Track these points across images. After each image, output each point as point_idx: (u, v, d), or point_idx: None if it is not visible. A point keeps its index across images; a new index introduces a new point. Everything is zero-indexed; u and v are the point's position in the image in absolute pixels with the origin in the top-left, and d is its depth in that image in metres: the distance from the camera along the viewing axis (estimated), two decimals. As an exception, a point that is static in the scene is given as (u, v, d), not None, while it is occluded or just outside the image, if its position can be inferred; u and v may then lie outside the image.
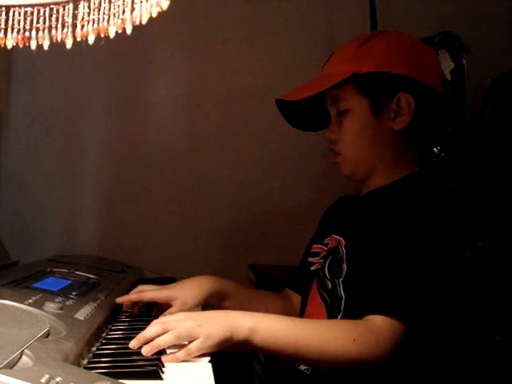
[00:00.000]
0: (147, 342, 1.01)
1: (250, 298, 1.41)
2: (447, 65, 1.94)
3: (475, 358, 1.50)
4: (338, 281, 1.24)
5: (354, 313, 1.16)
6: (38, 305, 1.02)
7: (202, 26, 2.06)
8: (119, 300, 1.30)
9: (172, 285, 1.35)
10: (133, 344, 1.01)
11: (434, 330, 1.12)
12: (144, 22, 0.72)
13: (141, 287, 1.37)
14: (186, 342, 1.02)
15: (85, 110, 2.02)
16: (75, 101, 2.01)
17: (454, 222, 1.20)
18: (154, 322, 1.06)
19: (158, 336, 1.01)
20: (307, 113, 1.40)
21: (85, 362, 0.93)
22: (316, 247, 1.38)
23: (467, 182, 1.87)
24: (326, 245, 1.35)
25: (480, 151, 1.92)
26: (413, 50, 1.28)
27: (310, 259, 1.40)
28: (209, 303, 1.34)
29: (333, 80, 1.27)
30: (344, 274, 1.23)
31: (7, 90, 1.99)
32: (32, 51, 0.86)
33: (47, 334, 0.89)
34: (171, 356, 0.99)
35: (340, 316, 1.21)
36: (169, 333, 1.01)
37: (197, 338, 1.01)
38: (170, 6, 0.79)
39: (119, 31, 0.76)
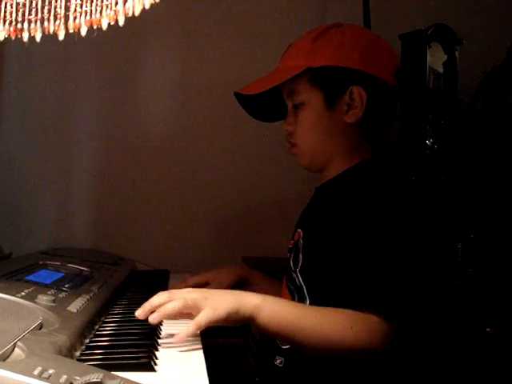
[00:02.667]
0: (153, 310, 1.03)
1: (271, 287, 1.48)
2: (440, 57, 1.95)
3: (466, 349, 1.51)
4: (296, 271, 1.28)
5: (319, 300, 1.21)
6: (31, 297, 1.02)
7: (194, 19, 2.05)
8: None
9: (204, 272, 1.49)
10: (138, 313, 1.04)
11: (419, 321, 1.15)
12: (137, 13, 0.73)
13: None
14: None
15: (77, 100, 2.01)
16: (67, 91, 1.99)
17: (409, 204, 1.23)
18: (161, 292, 1.08)
19: (165, 302, 1.03)
20: (267, 104, 1.42)
21: (78, 354, 0.93)
22: (290, 243, 1.40)
23: (460, 175, 1.87)
24: (293, 239, 1.38)
25: (472, 143, 1.92)
26: (366, 43, 1.30)
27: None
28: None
29: (286, 74, 1.30)
30: (300, 264, 1.27)
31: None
32: (24, 43, 0.85)
33: (40, 327, 0.89)
34: (182, 332, 1.00)
35: (307, 304, 1.24)
36: (176, 300, 1.03)
37: (203, 309, 1.02)
38: (162, -1, 0.78)
39: (112, 23, 0.75)
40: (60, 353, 0.83)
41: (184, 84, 2.07)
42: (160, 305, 1.04)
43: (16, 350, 0.76)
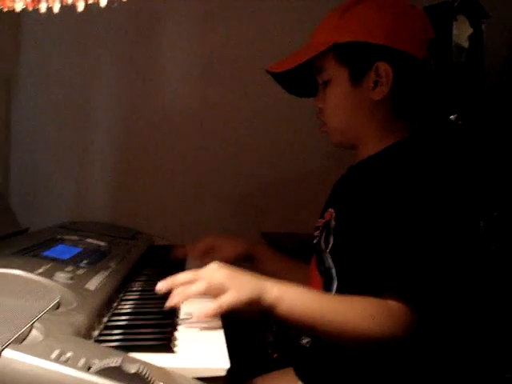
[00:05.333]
0: (175, 287, 1.01)
1: (283, 266, 1.48)
2: (466, 30, 1.89)
3: (488, 336, 1.49)
4: (326, 252, 1.25)
5: (348, 283, 1.18)
6: (49, 274, 1.01)
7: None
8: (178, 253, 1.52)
9: (211, 236, 1.53)
10: (159, 286, 1.02)
11: (447, 313, 1.12)
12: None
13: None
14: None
15: (95, 75, 1.98)
16: (85, 65, 1.97)
17: (450, 186, 1.19)
18: (186, 271, 1.06)
19: (188, 283, 1.01)
20: (302, 79, 1.37)
21: (96, 333, 0.92)
22: (318, 221, 1.37)
23: (484, 151, 1.83)
24: (324, 218, 1.34)
25: (498, 119, 1.87)
26: (393, 16, 1.24)
27: (314, 233, 1.39)
28: (245, 261, 1.45)
29: (312, 51, 1.26)
30: (331, 246, 1.24)
31: (16, 53, 1.96)
32: (41, 14, 0.83)
33: (58, 306, 0.88)
34: (202, 312, 0.99)
35: (335, 288, 1.22)
36: (200, 281, 1.01)
37: (227, 291, 1.00)
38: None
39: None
40: (78, 333, 0.82)
41: (206, 57, 2.03)
42: (183, 284, 1.02)
43: (33, 331, 0.74)
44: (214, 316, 1.00)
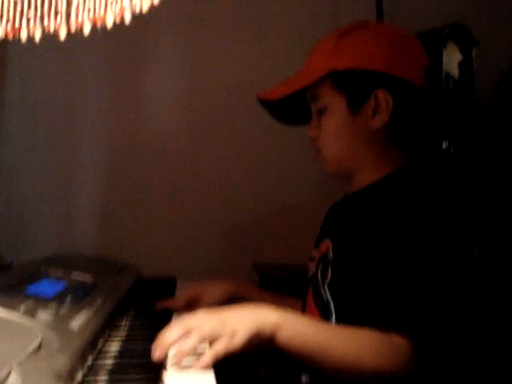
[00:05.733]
0: (169, 348, 0.95)
1: (271, 303, 1.41)
2: (455, 58, 1.89)
3: (485, 361, 1.45)
4: (324, 285, 1.21)
5: (346, 318, 1.14)
6: (30, 313, 0.97)
7: (202, 19, 2.00)
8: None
9: (194, 283, 1.47)
10: (156, 355, 0.94)
11: (450, 343, 1.08)
12: (145, 9, 0.66)
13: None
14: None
15: (81, 104, 1.97)
16: (71, 95, 1.96)
17: (451, 215, 1.15)
18: (174, 323, 1.01)
19: (180, 340, 0.95)
20: (292, 106, 1.34)
21: (79, 376, 0.86)
22: (313, 252, 1.34)
23: (476, 179, 1.80)
24: (319, 249, 1.30)
25: (490, 146, 1.86)
26: (392, 43, 1.22)
27: (308, 265, 1.35)
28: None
29: (309, 78, 1.24)
30: (329, 279, 1.20)
31: (1, 84, 1.92)
32: (24, 43, 0.79)
33: (39, 348, 0.83)
34: (200, 362, 0.93)
35: (333, 320, 1.18)
36: (192, 335, 0.95)
37: (221, 337, 0.95)
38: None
39: (117, 21, 0.69)
40: (60, 377, 0.77)
41: (193, 86, 2.03)
42: (176, 341, 0.96)
43: (11, 376, 0.70)
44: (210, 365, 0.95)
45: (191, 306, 1.41)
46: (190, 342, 0.95)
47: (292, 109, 1.35)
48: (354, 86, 1.21)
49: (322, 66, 1.23)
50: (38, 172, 1.96)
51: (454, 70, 1.88)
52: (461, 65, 1.90)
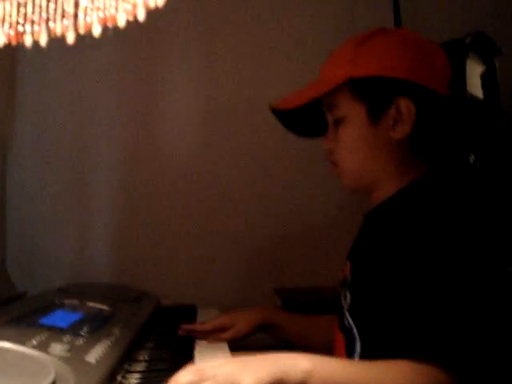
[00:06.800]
0: None
1: (305, 326, 1.42)
2: (478, 68, 1.82)
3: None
4: (344, 310, 1.15)
5: (372, 343, 1.08)
6: (44, 346, 0.90)
7: (217, 30, 1.95)
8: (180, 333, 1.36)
9: (224, 314, 1.44)
10: None
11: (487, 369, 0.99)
12: (160, 4, 0.59)
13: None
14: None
15: (94, 122, 1.91)
16: (83, 112, 1.90)
17: (480, 230, 1.06)
18: (188, 367, 0.91)
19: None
20: (307, 117, 1.27)
21: (98, 415, 0.79)
22: (341, 275, 1.26)
23: (505, 192, 1.73)
24: (344, 272, 1.23)
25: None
26: (415, 50, 1.15)
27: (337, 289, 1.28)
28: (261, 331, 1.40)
29: (326, 86, 1.16)
30: (348, 303, 1.14)
31: (11, 102, 1.88)
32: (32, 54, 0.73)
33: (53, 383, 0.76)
34: None
35: (358, 348, 1.10)
36: (207, 382, 0.85)
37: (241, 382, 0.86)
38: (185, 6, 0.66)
39: (130, 19, 0.63)
40: (76, 417, 0.70)
41: (208, 100, 1.96)
42: None
43: (23, 417, 0.62)
44: None
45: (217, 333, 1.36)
46: None
47: (307, 120, 1.28)
48: (374, 94, 1.14)
49: (340, 73, 1.15)
50: (51, 199, 1.90)
51: (477, 81, 1.81)
52: (484, 75, 1.83)
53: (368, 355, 1.06)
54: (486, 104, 1.80)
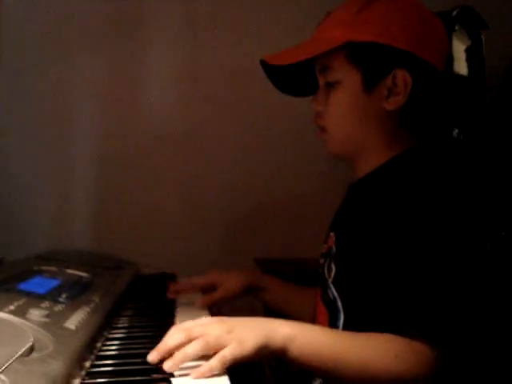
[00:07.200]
0: (169, 353, 0.86)
1: (289, 292, 1.40)
2: (464, 42, 1.81)
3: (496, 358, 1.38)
4: (328, 281, 1.13)
5: (355, 315, 1.08)
6: (21, 312, 0.88)
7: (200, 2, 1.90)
8: (170, 296, 1.37)
9: (213, 271, 1.41)
10: (152, 357, 0.85)
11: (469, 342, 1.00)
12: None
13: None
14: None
15: (75, 95, 1.87)
16: (64, 83, 1.85)
17: (463, 204, 1.06)
18: (174, 327, 0.91)
19: (182, 345, 0.86)
20: (296, 76, 1.24)
21: (77, 382, 0.78)
22: (323, 247, 1.25)
23: (487, 167, 1.73)
24: (327, 243, 1.22)
25: (501, 134, 1.78)
26: (417, 21, 1.12)
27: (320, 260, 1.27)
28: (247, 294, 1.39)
29: (323, 46, 1.12)
30: (333, 274, 1.13)
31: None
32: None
33: (31, 350, 0.74)
34: (204, 368, 0.83)
35: (342, 321, 1.10)
36: (195, 341, 0.86)
37: (228, 345, 0.86)
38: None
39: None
40: (54, 383, 0.68)
41: (190, 73, 1.92)
42: (177, 348, 0.86)
43: (0, 381, 0.61)
44: (218, 371, 0.85)
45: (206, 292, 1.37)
46: (193, 347, 0.85)
47: (297, 78, 1.24)
48: (372, 61, 1.11)
49: (338, 35, 1.11)
50: (30, 166, 1.86)
51: (463, 55, 1.80)
52: (469, 50, 1.82)
53: (351, 328, 1.05)
54: (470, 78, 1.79)
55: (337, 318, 1.11)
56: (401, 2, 1.14)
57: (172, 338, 0.87)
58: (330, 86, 1.15)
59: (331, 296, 1.12)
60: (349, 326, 1.08)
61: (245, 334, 0.88)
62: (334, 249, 1.15)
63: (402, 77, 1.09)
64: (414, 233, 0.99)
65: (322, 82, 1.18)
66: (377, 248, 1.03)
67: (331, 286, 1.12)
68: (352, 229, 1.12)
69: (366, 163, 1.16)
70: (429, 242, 0.98)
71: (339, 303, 1.10)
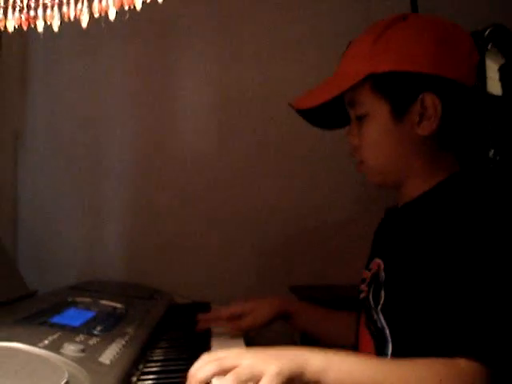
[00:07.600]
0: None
1: (323, 317, 1.39)
2: (497, 61, 1.78)
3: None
4: (377, 309, 1.09)
5: (405, 345, 1.03)
6: (56, 347, 0.87)
7: (234, 24, 1.92)
8: (200, 327, 1.36)
9: (242, 301, 1.39)
10: None
11: None
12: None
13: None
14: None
15: (106, 117, 1.88)
16: (95, 107, 1.87)
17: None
18: (206, 356, 0.88)
19: (213, 375, 0.83)
20: (328, 110, 1.20)
21: (113, 418, 0.76)
22: (364, 272, 1.22)
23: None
24: (370, 269, 1.18)
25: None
26: (437, 39, 1.09)
27: (360, 287, 1.23)
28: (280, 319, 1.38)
29: (345, 84, 1.11)
30: (382, 302, 1.09)
31: (23, 98, 1.85)
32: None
33: (66, 386, 0.72)
34: None
35: (390, 350, 1.06)
36: (227, 375, 0.82)
37: (264, 375, 0.82)
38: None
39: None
40: (90, 421, 0.66)
41: (223, 95, 1.93)
42: (207, 379, 0.84)
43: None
44: None
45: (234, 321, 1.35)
46: (225, 382, 0.82)
47: (330, 113, 1.22)
48: (396, 90, 1.09)
49: (359, 68, 1.10)
50: (64, 197, 1.88)
51: (496, 75, 1.77)
52: (503, 68, 1.79)
53: (399, 357, 1.02)
54: (504, 97, 1.76)
55: (384, 347, 1.07)
56: (414, 26, 1.12)
57: (203, 370, 0.84)
58: (361, 118, 1.13)
59: (379, 325, 1.09)
60: (397, 355, 1.04)
61: (279, 364, 0.85)
62: (382, 276, 1.11)
63: (430, 100, 1.07)
64: (469, 257, 0.96)
65: (352, 115, 1.17)
66: (430, 272, 0.99)
67: (379, 314, 1.09)
68: (403, 255, 1.08)
69: (411, 189, 1.13)
70: (484, 267, 0.94)
71: (387, 332, 1.07)
